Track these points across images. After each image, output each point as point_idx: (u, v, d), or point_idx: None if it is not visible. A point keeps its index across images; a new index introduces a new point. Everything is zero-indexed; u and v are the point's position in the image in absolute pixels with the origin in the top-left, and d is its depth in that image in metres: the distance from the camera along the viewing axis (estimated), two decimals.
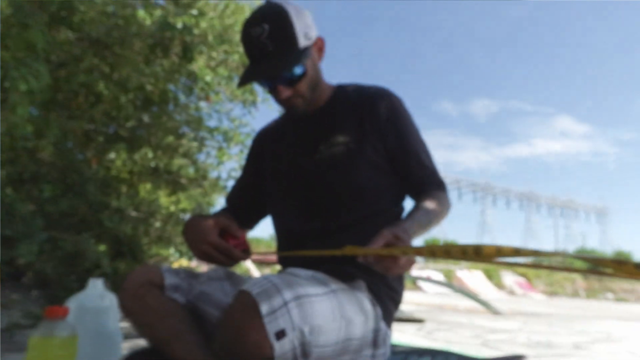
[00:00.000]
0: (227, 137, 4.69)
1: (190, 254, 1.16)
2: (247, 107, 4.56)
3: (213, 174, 5.04)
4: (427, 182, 1.20)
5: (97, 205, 3.60)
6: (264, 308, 0.80)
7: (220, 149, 4.80)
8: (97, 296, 1.56)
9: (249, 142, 4.55)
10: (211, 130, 4.66)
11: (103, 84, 3.55)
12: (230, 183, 4.89)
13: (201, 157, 4.96)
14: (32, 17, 2.43)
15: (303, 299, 0.85)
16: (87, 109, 3.63)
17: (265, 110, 4.67)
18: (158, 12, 3.42)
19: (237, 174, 4.51)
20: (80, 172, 3.54)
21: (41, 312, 1.82)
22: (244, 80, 1.12)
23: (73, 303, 1.50)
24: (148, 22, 3.32)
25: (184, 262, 4.93)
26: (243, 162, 1.46)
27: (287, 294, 0.83)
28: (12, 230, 2.57)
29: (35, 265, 2.84)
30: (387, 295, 1.14)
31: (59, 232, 3.13)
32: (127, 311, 1.04)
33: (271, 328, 0.79)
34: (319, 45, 1.18)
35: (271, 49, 1.07)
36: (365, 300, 1.05)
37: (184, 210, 4.88)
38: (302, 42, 1.09)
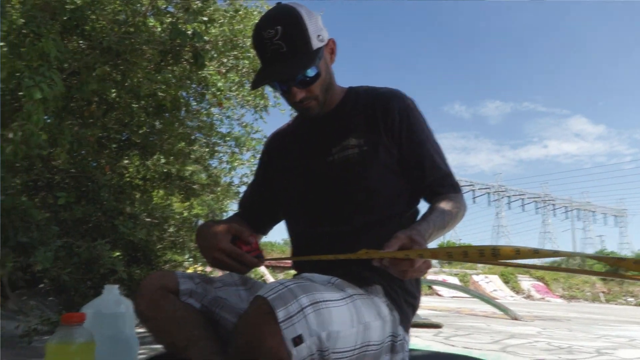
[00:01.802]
0: (239, 143, 4.70)
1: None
2: (259, 112, 4.57)
3: (225, 180, 5.06)
4: (441, 184, 1.18)
5: (111, 212, 3.63)
6: (280, 313, 0.78)
7: (232, 154, 4.82)
8: (113, 302, 1.55)
9: (260, 147, 4.56)
10: (223, 136, 4.68)
11: (115, 92, 3.58)
12: (243, 189, 4.90)
13: (213, 163, 4.98)
14: (45, 26, 2.46)
15: (320, 305, 0.84)
16: (99, 117, 3.67)
17: (277, 115, 4.67)
18: (168, 20, 3.45)
19: (249, 179, 4.53)
20: (94, 179, 3.57)
21: (58, 318, 1.83)
22: (258, 82, 1.11)
23: (89, 309, 1.50)
24: (159, 29, 3.34)
25: (198, 268, 4.94)
26: (255, 167, 1.45)
27: (304, 300, 0.82)
28: (28, 237, 2.60)
29: (51, 271, 2.87)
30: (404, 300, 1.11)
31: (74, 239, 3.16)
32: (143, 317, 1.03)
33: (288, 334, 0.78)
34: (331, 47, 1.16)
35: (285, 50, 1.05)
36: (382, 305, 1.03)
37: (197, 216, 4.90)
38: (315, 43, 1.08)
